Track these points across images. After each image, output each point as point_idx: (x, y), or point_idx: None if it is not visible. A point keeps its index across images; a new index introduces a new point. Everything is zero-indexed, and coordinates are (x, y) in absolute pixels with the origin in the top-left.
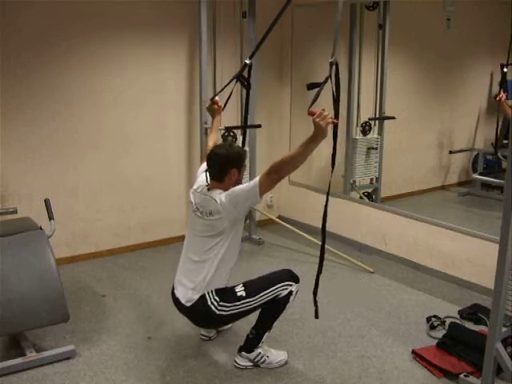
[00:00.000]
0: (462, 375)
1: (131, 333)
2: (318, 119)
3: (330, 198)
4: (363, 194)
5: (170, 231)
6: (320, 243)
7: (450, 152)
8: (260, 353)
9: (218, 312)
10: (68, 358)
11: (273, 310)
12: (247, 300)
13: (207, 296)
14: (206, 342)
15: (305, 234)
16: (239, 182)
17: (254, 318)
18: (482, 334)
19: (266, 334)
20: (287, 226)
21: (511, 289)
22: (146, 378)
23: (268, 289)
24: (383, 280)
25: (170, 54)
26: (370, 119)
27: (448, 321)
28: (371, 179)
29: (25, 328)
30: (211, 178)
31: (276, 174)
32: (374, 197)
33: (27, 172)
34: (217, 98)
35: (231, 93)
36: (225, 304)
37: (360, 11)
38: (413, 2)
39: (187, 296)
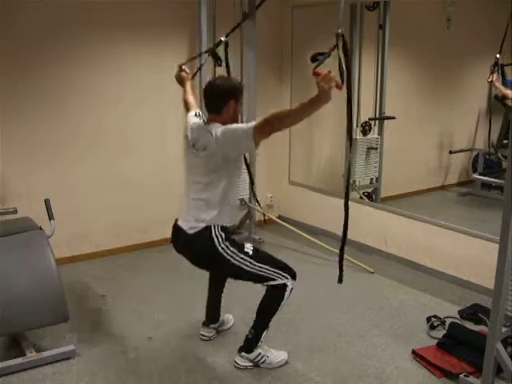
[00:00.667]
0: (461, 375)
1: (131, 333)
2: (322, 82)
3: (329, 198)
4: (363, 193)
5: (170, 231)
6: (321, 243)
7: (450, 152)
8: (260, 353)
9: (219, 249)
10: (68, 358)
11: (268, 307)
12: (249, 260)
13: (212, 228)
14: (206, 342)
15: (305, 234)
16: (237, 117)
17: (253, 317)
18: (482, 334)
19: (264, 333)
20: (287, 225)
21: (511, 289)
22: (146, 378)
23: (269, 266)
24: (383, 280)
25: (170, 53)
26: (370, 119)
27: (448, 321)
28: (371, 179)
29: (25, 328)
30: (209, 112)
31: (271, 124)
32: (374, 197)
33: (27, 172)
34: (184, 67)
35: (201, 66)
36: (228, 245)
37: (360, 11)
38: (413, 2)
39: (191, 224)
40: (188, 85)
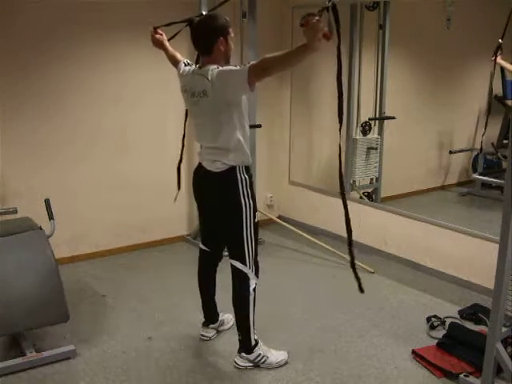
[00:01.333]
0: (461, 375)
1: (131, 333)
2: (309, 30)
3: (329, 198)
4: (363, 193)
5: (170, 231)
6: (321, 243)
7: (450, 152)
8: (260, 353)
9: (240, 191)
10: (68, 358)
11: (238, 301)
12: (252, 226)
13: (238, 168)
14: (206, 342)
15: (305, 234)
16: (229, 54)
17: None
18: (482, 334)
19: (252, 330)
20: (287, 225)
21: (511, 289)
22: (146, 378)
23: (255, 251)
24: (383, 280)
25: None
26: (370, 119)
27: (448, 321)
28: (371, 179)
29: (25, 328)
30: (200, 54)
31: (264, 66)
32: (373, 197)
33: (27, 172)
34: (159, 29)
35: (179, 32)
36: (249, 194)
37: (360, 11)
38: (413, 2)
39: (216, 165)
40: (166, 44)
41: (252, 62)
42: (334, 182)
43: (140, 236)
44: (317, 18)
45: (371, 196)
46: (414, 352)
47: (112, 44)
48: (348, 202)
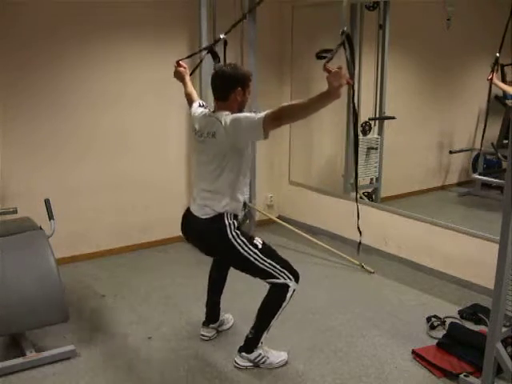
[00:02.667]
0: (461, 375)
1: (131, 333)
2: (332, 78)
3: (329, 198)
4: (363, 193)
5: (170, 231)
6: (321, 243)
7: (450, 152)
8: (260, 353)
9: (230, 235)
10: (68, 358)
11: (270, 308)
12: (257, 252)
13: (225, 215)
14: (206, 342)
15: (305, 234)
16: (244, 105)
17: (254, 317)
18: (482, 334)
19: (265, 334)
20: (287, 225)
21: (511, 289)
22: (146, 378)
23: (275, 263)
24: (383, 280)
25: (170, 53)
26: (370, 119)
27: (448, 321)
28: (371, 179)
29: (25, 328)
30: (216, 99)
31: (280, 116)
32: (373, 197)
33: (27, 172)
34: (182, 62)
35: (201, 62)
36: (239, 234)
37: (360, 11)
38: (413, 2)
39: (204, 211)
40: (187, 79)
41: (268, 111)
42: (334, 182)
43: (140, 236)
44: (340, 65)
45: (371, 196)
46: (413, 352)
47: (113, 44)
48: (348, 201)
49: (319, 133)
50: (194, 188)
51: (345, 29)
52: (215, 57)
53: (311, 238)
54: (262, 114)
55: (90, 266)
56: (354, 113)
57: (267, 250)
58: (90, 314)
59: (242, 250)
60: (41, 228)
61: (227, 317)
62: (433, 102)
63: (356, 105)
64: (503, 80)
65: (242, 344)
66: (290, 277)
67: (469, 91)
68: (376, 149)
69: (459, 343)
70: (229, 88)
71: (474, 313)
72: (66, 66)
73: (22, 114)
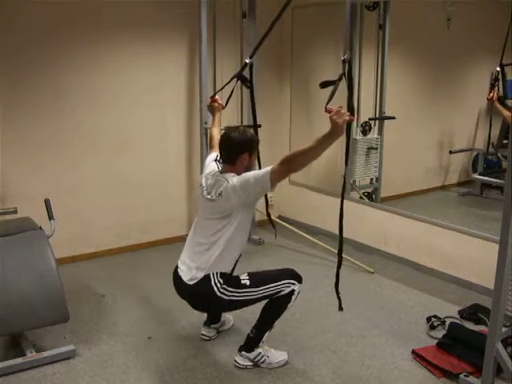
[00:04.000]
0: (461, 375)
1: (131, 333)
2: (335, 116)
3: (329, 198)
4: (363, 193)
5: (170, 231)
6: (321, 243)
7: (450, 152)
8: (260, 353)
9: (219, 294)
10: (68, 358)
11: (274, 309)
12: (250, 290)
13: (211, 276)
14: (206, 342)
15: (305, 234)
16: (250, 169)
17: (254, 317)
18: (482, 334)
19: (267, 333)
20: (287, 226)
21: (511, 289)
22: (146, 378)
23: (272, 283)
24: (383, 280)
25: (170, 53)
26: (370, 119)
27: (448, 321)
28: (371, 179)
29: (25, 328)
30: (223, 162)
31: (287, 165)
32: (373, 197)
33: (27, 172)
34: (217, 96)
35: (232, 91)
36: (227, 288)
37: (360, 11)
38: (413, 2)
39: (191, 274)
40: (217, 115)
41: (274, 165)
42: (334, 182)
43: (140, 236)
44: (341, 106)
45: (371, 196)
46: (414, 352)
47: (112, 44)
48: (348, 202)
49: (319, 133)
50: (185, 247)
51: (346, 56)
52: (244, 81)
53: (311, 238)
54: (268, 169)
55: (90, 266)
56: (347, 145)
57: (258, 279)
58: (90, 314)
59: (235, 299)
60: (41, 228)
61: (228, 317)
62: (433, 102)
63: (349, 140)
64: (503, 79)
65: (242, 344)
66: (293, 282)
67: (469, 91)
68: (376, 149)
69: (459, 343)
70: (236, 153)
71: (474, 313)
72: (67, 67)
73: (22, 114)
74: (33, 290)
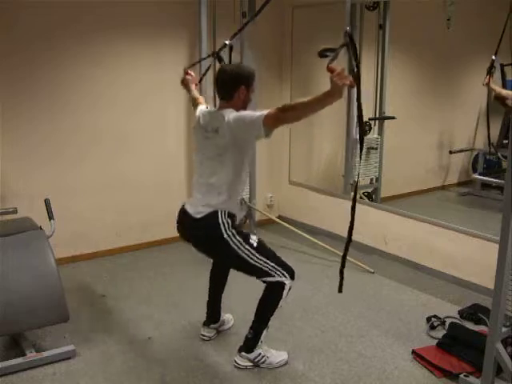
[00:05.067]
0: (462, 375)
1: (131, 333)
2: (335, 78)
3: (329, 198)
4: (363, 193)
5: (170, 231)
6: (321, 243)
7: (450, 152)
8: (260, 353)
9: (225, 235)
10: (68, 358)
11: (267, 305)
12: (253, 252)
13: (219, 213)
14: (206, 342)
15: (305, 234)
16: (247, 104)
17: (253, 317)
18: (482, 334)
19: (264, 333)
20: (287, 226)
21: (511, 289)
22: (146, 378)
23: (271, 261)
24: (383, 280)
25: (170, 53)
26: (370, 119)
27: (448, 321)
28: (371, 179)
29: (25, 328)
30: (220, 99)
31: (282, 113)
32: (373, 197)
33: (27, 172)
34: (189, 70)
35: (208, 68)
36: (235, 234)
37: (360, 11)
38: (413, 2)
39: (198, 209)
40: (193, 87)
41: (270, 109)
42: (334, 182)
43: (140, 236)
44: (343, 67)
45: (371, 196)
46: (414, 352)
47: (113, 44)
48: (348, 201)
49: (319, 133)
50: (193, 185)
51: (347, 29)
52: (220, 60)
53: (311, 238)
54: (264, 112)
55: (90, 266)
56: (359, 114)
57: (262, 249)
58: (90, 314)
59: (237, 250)
60: (41, 228)
61: (227, 317)
62: (433, 102)
63: (361, 105)
64: (503, 79)
65: (242, 344)
66: (285, 274)
67: (469, 91)
68: (376, 149)
69: (459, 343)
70: (233, 87)
71: (474, 313)
72: (66, 67)
73: (22, 113)
74: (33, 290)
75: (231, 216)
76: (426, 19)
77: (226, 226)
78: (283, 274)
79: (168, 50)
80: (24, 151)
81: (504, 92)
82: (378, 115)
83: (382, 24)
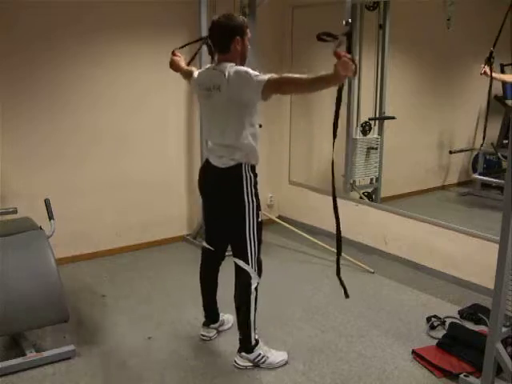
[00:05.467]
0: (462, 375)
1: (131, 333)
2: (340, 67)
3: (329, 198)
4: (363, 193)
5: (170, 231)
6: (321, 243)
7: (450, 152)
8: (260, 353)
9: (244, 188)
10: (68, 358)
11: (240, 304)
12: (255, 224)
13: (243, 166)
14: (206, 342)
15: (305, 234)
16: (245, 53)
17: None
18: (482, 334)
19: (253, 333)
20: (287, 226)
21: (511, 289)
22: (146, 378)
23: (257, 247)
24: (383, 280)
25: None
26: (370, 119)
27: (448, 321)
28: (371, 179)
29: (25, 328)
30: (217, 52)
31: (282, 84)
32: (373, 197)
33: (27, 172)
34: (177, 51)
35: (196, 53)
36: (254, 193)
37: (360, 11)
38: (413, 2)
39: (222, 160)
40: (182, 65)
41: (272, 75)
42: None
43: (140, 236)
44: (349, 56)
45: (371, 196)
46: (414, 352)
47: (114, 44)
48: (348, 201)
49: (319, 133)
50: (208, 142)
51: (349, 20)
52: (211, 49)
53: (311, 238)
54: (265, 77)
55: (90, 266)
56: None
57: (260, 231)
58: (90, 314)
59: (246, 214)
60: (41, 228)
61: (227, 317)
62: (433, 102)
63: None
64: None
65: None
66: (256, 268)
67: (469, 91)
68: (376, 149)
69: (459, 343)
70: (228, 38)
71: (474, 313)
72: (66, 67)
73: (22, 113)
74: (33, 290)
75: (253, 169)
76: (426, 19)
77: (249, 180)
78: (254, 267)
79: (168, 49)
80: (24, 151)
81: (506, 76)
82: (378, 115)
83: (381, 24)
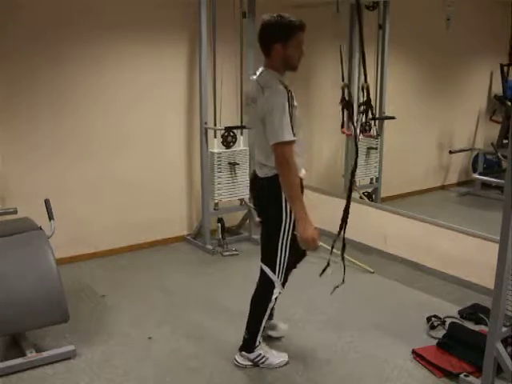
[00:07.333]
0: (462, 375)
1: (131, 333)
2: (302, 242)
3: (329, 198)
4: (363, 193)
5: (170, 231)
6: (321, 243)
7: (450, 152)
8: (260, 353)
9: (283, 199)
10: (68, 358)
11: (257, 308)
12: (287, 236)
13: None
14: (206, 342)
15: None
16: (289, 61)
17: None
18: (482, 334)
19: (259, 336)
20: None
21: (511, 289)
22: (146, 378)
23: (287, 259)
24: (383, 280)
25: (170, 53)
26: (370, 119)
27: (448, 321)
28: (371, 179)
29: (25, 328)
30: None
31: (281, 158)
32: (373, 197)
33: (27, 172)
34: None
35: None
36: (287, 208)
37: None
38: (413, 2)
39: (264, 171)
40: None
41: (282, 149)
42: (334, 182)
43: (140, 236)
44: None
45: (371, 196)
46: (414, 352)
47: (112, 44)
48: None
49: (319, 133)
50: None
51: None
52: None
53: None
54: (286, 137)
55: (90, 266)
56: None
57: (293, 244)
58: (90, 314)
59: (282, 226)
60: (41, 228)
61: (282, 326)
62: (433, 102)
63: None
64: (503, 79)
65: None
66: (281, 279)
67: (469, 91)
68: (376, 149)
69: (459, 343)
70: (268, 42)
71: (474, 313)
72: (66, 66)
73: (21, 113)
74: (33, 290)
75: None
76: (426, 19)
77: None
78: (280, 279)
79: (168, 49)
80: (24, 151)
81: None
82: (378, 115)
83: (381, 24)
